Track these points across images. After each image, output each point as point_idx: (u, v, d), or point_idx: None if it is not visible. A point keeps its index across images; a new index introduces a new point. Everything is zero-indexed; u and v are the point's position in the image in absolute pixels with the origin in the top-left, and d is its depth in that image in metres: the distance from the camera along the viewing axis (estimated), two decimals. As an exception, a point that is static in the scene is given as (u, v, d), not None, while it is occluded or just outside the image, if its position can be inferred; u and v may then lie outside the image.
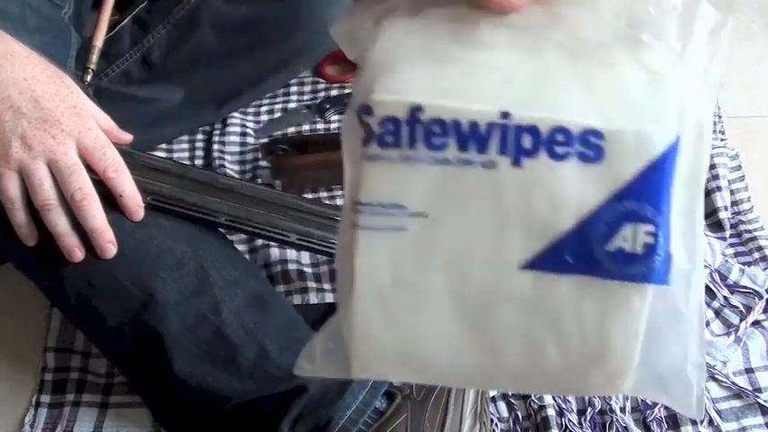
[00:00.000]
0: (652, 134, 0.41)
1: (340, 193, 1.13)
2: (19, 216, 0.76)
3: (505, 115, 0.41)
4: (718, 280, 1.01)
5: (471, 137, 0.41)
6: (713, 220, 1.07)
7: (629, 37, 0.41)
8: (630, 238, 0.42)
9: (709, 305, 0.99)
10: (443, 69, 0.42)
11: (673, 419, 0.92)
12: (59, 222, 0.76)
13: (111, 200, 0.79)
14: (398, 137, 0.41)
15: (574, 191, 0.41)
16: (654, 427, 0.91)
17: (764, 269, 1.03)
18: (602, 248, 0.42)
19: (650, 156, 0.41)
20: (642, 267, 0.42)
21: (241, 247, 1.06)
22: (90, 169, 0.77)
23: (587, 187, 0.41)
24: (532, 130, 0.41)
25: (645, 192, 0.41)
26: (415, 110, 0.41)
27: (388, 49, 0.42)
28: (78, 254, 0.78)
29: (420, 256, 0.43)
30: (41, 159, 0.74)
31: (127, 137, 0.83)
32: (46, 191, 0.75)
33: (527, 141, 0.41)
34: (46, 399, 0.97)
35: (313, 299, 1.02)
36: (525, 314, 0.43)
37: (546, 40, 0.42)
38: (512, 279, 0.42)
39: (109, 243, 0.78)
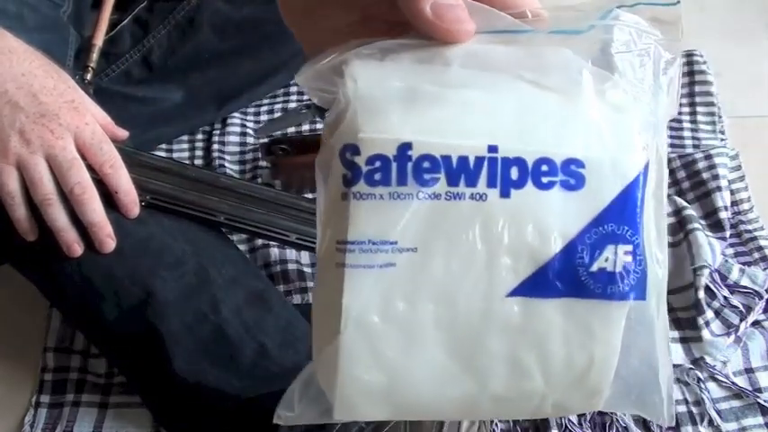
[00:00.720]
0: (626, 161, 0.44)
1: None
2: (19, 211, 0.76)
3: (493, 149, 0.43)
4: (718, 280, 1.01)
5: (461, 171, 0.43)
6: (713, 220, 1.07)
7: (594, 73, 0.44)
8: (611, 258, 0.44)
9: (709, 305, 0.99)
10: (426, 108, 0.43)
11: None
12: (59, 217, 0.76)
13: (107, 197, 0.79)
14: (387, 174, 0.43)
15: (558, 217, 0.44)
16: (654, 427, 0.91)
17: (764, 269, 1.03)
18: (587, 270, 0.45)
19: (625, 181, 0.44)
20: (623, 285, 0.45)
21: (241, 247, 1.06)
22: (87, 165, 0.77)
23: (570, 213, 0.44)
24: (519, 162, 0.43)
25: (622, 214, 0.45)
26: (405, 147, 0.43)
27: (368, 90, 0.44)
28: (77, 248, 0.78)
29: (409, 290, 0.44)
30: (40, 154, 0.74)
31: (123, 133, 0.83)
32: (45, 185, 0.75)
33: (514, 173, 0.44)
34: (46, 399, 0.97)
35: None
36: (512, 340, 0.45)
37: (518, 78, 0.44)
38: (499, 307, 0.44)
39: (108, 237, 0.78)
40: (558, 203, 0.44)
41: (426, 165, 0.43)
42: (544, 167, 0.44)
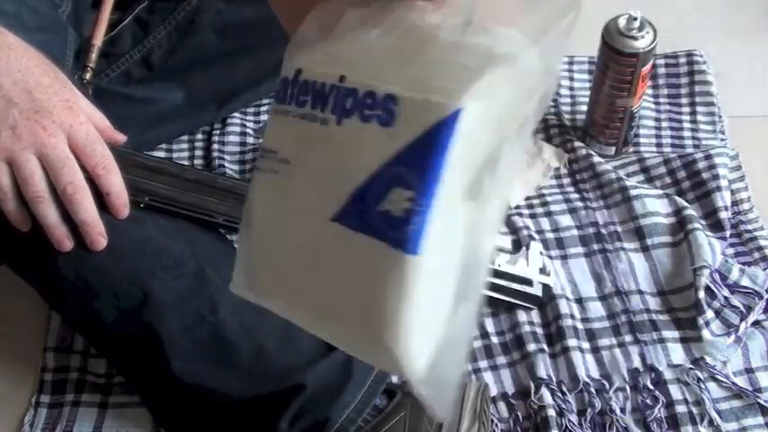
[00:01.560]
0: (436, 106, 0.45)
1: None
2: (10, 206, 0.76)
3: (342, 79, 0.48)
4: (719, 280, 1.01)
5: (319, 96, 0.49)
6: (713, 220, 1.07)
7: (474, 29, 0.48)
8: (396, 201, 0.46)
9: (709, 305, 0.99)
10: (329, 44, 0.50)
11: (673, 419, 0.92)
12: (49, 214, 0.76)
13: (99, 197, 0.78)
14: (284, 95, 0.50)
15: (369, 152, 0.47)
16: (654, 427, 0.91)
17: (764, 269, 1.03)
18: (376, 209, 0.46)
19: (426, 125, 0.45)
20: (399, 233, 0.46)
21: (241, 247, 1.06)
22: (80, 165, 0.76)
23: (378, 149, 0.47)
24: (353, 93, 0.48)
25: (415, 159, 0.45)
26: (297, 72, 0.50)
27: (303, 33, 0.52)
28: (68, 243, 0.78)
29: (283, 197, 0.51)
30: (31, 151, 0.74)
31: (121, 137, 0.83)
32: (36, 183, 0.74)
33: (348, 103, 0.47)
34: (45, 399, 0.97)
35: (312, 299, 1.02)
36: (334, 264, 0.49)
37: (412, 27, 0.48)
38: (326, 229, 0.48)
39: (99, 235, 0.78)
40: (372, 137, 0.47)
41: (303, 88, 0.49)
42: (369, 100, 0.47)
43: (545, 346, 0.97)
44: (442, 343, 0.50)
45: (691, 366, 0.96)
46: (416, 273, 0.46)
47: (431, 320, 0.49)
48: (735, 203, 1.10)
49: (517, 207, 1.11)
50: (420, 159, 0.45)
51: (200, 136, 1.20)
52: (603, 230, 1.07)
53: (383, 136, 0.46)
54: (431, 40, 0.47)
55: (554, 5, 0.49)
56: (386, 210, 0.46)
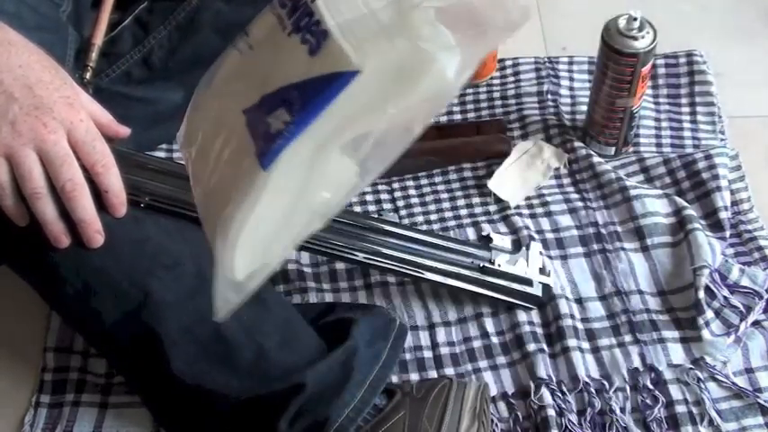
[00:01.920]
0: (347, 56, 0.52)
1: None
2: (8, 201, 0.75)
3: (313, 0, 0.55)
4: (718, 280, 1.01)
5: (294, 6, 0.55)
6: (713, 220, 1.07)
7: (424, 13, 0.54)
8: (277, 119, 0.53)
9: (709, 305, 0.99)
10: None
11: (673, 419, 0.92)
12: (47, 210, 0.75)
13: (97, 194, 0.78)
14: None
15: (290, 69, 0.54)
16: (654, 427, 0.91)
17: (764, 269, 1.03)
18: (265, 118, 0.54)
19: (331, 69, 0.52)
20: (264, 146, 0.54)
21: (241, 247, 1.06)
22: (79, 163, 0.76)
23: (295, 70, 0.54)
24: (310, 15, 0.54)
25: (307, 93, 0.53)
26: None
27: None
28: (65, 240, 0.77)
29: (234, 75, 0.60)
30: (30, 147, 0.73)
31: (124, 130, 0.83)
32: (35, 180, 0.74)
33: (303, 21, 0.54)
34: (46, 399, 0.97)
35: (312, 299, 1.02)
36: (226, 149, 0.58)
37: None
38: (237, 117, 0.56)
39: (96, 233, 0.78)
40: (298, 58, 0.54)
41: None
42: (314, 27, 0.54)
43: (545, 346, 0.97)
44: (259, 261, 0.59)
45: (691, 366, 0.96)
46: (260, 186, 0.55)
47: (258, 236, 0.58)
48: (735, 203, 1.10)
49: (517, 207, 1.11)
50: (310, 95, 0.52)
51: (200, 136, 1.20)
52: (603, 230, 1.07)
53: (304, 61, 0.53)
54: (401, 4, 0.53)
55: (498, 30, 0.55)
56: (269, 122, 0.53)
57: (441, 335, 1.00)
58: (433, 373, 0.97)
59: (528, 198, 1.12)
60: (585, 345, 0.98)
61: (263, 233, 0.57)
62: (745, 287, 1.01)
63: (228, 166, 0.58)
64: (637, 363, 0.96)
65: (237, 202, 0.56)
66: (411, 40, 0.52)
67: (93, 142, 0.76)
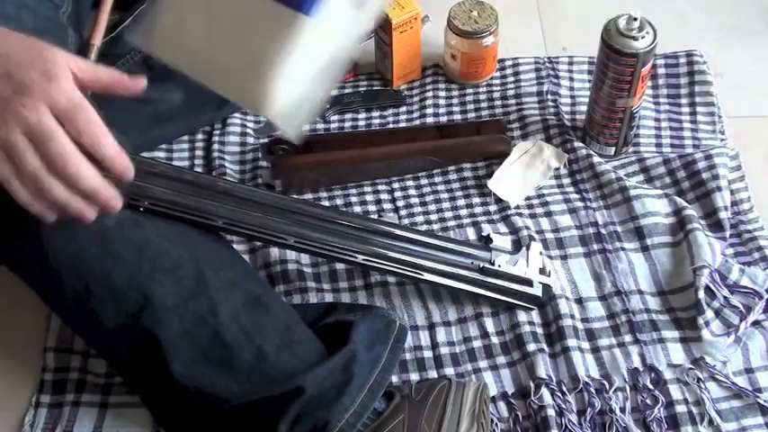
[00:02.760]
0: None
1: (340, 192, 1.13)
2: (23, 196, 0.71)
3: None
4: (718, 280, 1.01)
5: None
6: (713, 220, 1.07)
7: None
8: None
9: (709, 305, 0.99)
10: None
11: (673, 419, 0.92)
12: (57, 192, 0.71)
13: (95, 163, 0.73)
14: None
15: None
16: (654, 427, 0.91)
17: (764, 269, 1.03)
18: None
19: None
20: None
21: (241, 248, 1.06)
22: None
23: None
24: None
25: None
26: None
27: None
28: (89, 214, 0.73)
29: None
30: (18, 131, 0.69)
31: (136, 85, 0.77)
32: (28, 161, 0.70)
33: None
34: (46, 399, 0.97)
35: (312, 299, 1.02)
36: (237, 26, 0.65)
37: None
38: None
39: (111, 200, 0.73)
40: None
41: None
42: None
43: (545, 346, 0.97)
44: (300, 97, 0.66)
45: (691, 366, 0.96)
46: (303, 31, 0.62)
47: (298, 77, 0.65)
48: (735, 203, 1.10)
49: (517, 207, 1.11)
50: None
51: (200, 136, 1.20)
52: (603, 230, 1.08)
53: None
54: None
55: None
56: None
57: (441, 335, 1.00)
58: (432, 373, 0.97)
59: (528, 198, 1.12)
60: (585, 345, 0.98)
61: (300, 72, 0.66)
62: (745, 287, 1.01)
63: (244, 40, 0.67)
64: (637, 363, 0.96)
65: (278, 51, 0.65)
66: None
67: (75, 111, 0.71)
